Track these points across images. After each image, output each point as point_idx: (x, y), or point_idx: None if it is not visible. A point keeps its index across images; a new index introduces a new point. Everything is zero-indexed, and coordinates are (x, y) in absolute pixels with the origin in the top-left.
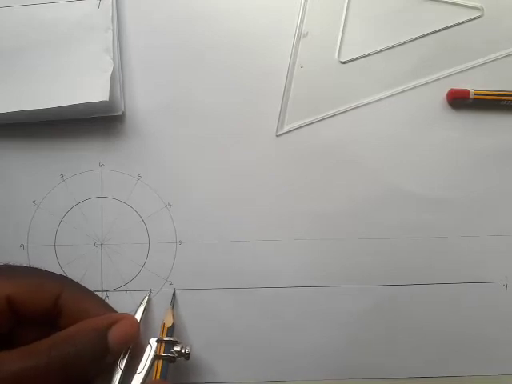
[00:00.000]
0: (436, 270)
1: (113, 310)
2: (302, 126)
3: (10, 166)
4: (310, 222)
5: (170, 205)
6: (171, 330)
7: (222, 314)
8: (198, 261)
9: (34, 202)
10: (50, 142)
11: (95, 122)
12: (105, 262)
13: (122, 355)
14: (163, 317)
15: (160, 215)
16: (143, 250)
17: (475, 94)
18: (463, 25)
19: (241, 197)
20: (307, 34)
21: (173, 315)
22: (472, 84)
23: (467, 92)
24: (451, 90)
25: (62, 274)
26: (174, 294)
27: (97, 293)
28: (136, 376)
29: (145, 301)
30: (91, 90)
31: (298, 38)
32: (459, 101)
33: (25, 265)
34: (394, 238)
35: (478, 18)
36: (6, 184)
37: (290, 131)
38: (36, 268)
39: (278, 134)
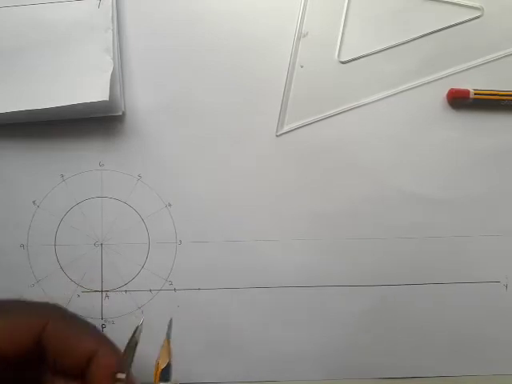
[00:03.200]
0: (436, 270)
1: (103, 338)
2: (302, 126)
3: (9, 165)
4: (310, 222)
5: (170, 205)
6: (166, 371)
7: (222, 314)
8: (198, 261)
9: (34, 202)
10: (49, 142)
11: (95, 122)
12: (105, 262)
13: None
14: (158, 353)
15: (160, 215)
16: (143, 250)
17: (475, 94)
18: (463, 25)
19: (241, 197)
20: (307, 33)
21: (169, 351)
22: (472, 84)
23: (467, 92)
24: (451, 89)
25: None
26: (170, 322)
27: (96, 293)
28: None
29: (136, 335)
30: (91, 90)
31: (298, 38)
32: (459, 101)
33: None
34: (393, 238)
35: (478, 17)
36: (5, 184)
37: (289, 131)
38: (18, 301)
39: (278, 133)
